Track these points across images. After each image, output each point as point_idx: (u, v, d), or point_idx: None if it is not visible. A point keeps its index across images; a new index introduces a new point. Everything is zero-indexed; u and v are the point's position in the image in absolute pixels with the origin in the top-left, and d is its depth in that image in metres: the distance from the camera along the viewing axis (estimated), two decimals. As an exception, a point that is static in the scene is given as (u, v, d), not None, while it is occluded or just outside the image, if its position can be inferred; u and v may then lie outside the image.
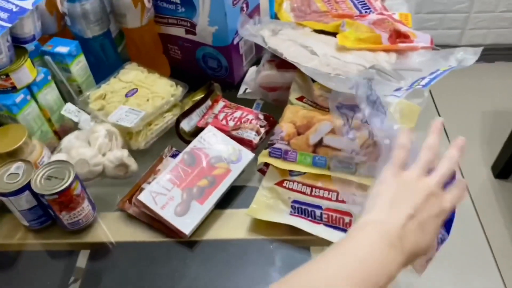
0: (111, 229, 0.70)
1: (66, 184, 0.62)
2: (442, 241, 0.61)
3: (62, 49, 0.76)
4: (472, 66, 0.67)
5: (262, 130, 0.77)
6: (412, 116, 0.73)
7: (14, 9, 0.65)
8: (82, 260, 0.67)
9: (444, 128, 0.82)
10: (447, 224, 0.61)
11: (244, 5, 0.82)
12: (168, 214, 0.66)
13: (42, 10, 0.76)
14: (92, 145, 0.71)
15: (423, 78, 0.65)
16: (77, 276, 0.64)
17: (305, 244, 0.66)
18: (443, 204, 0.49)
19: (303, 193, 0.67)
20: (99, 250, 0.69)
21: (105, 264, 0.67)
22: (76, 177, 0.64)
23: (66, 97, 0.83)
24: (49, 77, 0.75)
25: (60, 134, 0.81)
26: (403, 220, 0.46)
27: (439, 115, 0.83)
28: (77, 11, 0.76)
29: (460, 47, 0.71)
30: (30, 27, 0.69)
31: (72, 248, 0.68)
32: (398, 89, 0.63)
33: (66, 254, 0.68)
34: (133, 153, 0.76)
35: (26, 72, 0.69)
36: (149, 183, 0.71)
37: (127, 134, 0.77)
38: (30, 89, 0.72)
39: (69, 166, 0.64)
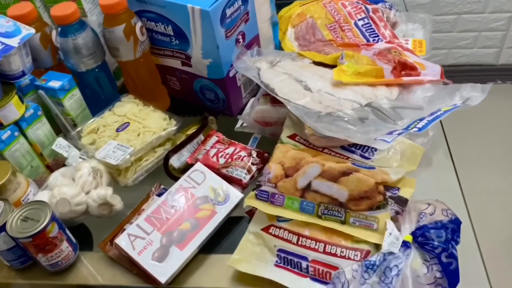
0: (92, 271, 0.68)
1: (41, 227, 0.60)
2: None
3: (55, 84, 0.75)
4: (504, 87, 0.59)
5: (254, 168, 0.73)
6: (414, 159, 0.67)
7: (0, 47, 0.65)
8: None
9: (452, 160, 0.74)
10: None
11: (240, 37, 0.78)
12: (145, 260, 0.62)
13: (36, 45, 0.76)
14: (76, 183, 0.69)
15: (421, 120, 0.58)
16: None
17: (289, 298, 0.60)
18: None
19: (289, 241, 0.62)
20: (79, 293, 0.66)
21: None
22: (53, 218, 0.62)
23: (62, 130, 0.83)
24: (39, 113, 0.74)
25: (53, 168, 0.80)
26: None
27: (449, 149, 0.76)
28: (69, 46, 0.75)
29: (497, 66, 0.65)
30: (18, 64, 0.69)
31: (54, 289, 0.67)
32: (390, 133, 0.57)
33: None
34: (121, 190, 0.74)
35: (12, 109, 0.69)
36: (132, 223, 0.68)
37: (115, 170, 0.75)
38: (18, 125, 0.71)
39: (46, 207, 0.63)
